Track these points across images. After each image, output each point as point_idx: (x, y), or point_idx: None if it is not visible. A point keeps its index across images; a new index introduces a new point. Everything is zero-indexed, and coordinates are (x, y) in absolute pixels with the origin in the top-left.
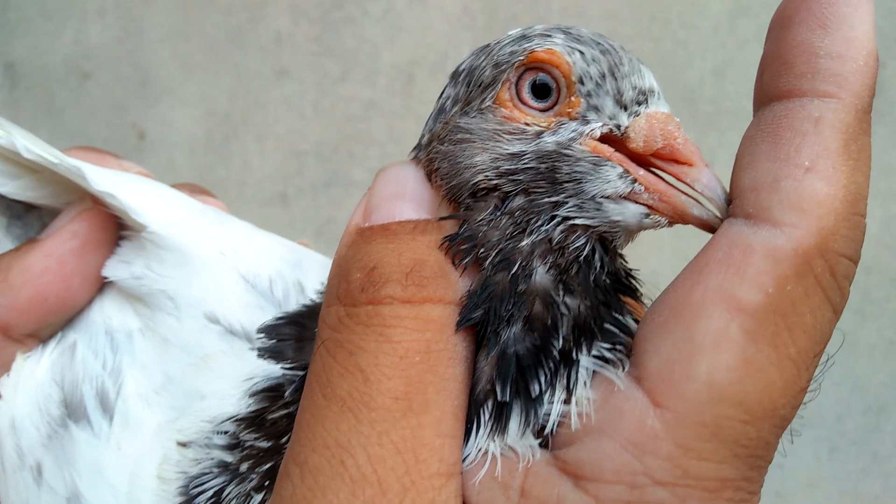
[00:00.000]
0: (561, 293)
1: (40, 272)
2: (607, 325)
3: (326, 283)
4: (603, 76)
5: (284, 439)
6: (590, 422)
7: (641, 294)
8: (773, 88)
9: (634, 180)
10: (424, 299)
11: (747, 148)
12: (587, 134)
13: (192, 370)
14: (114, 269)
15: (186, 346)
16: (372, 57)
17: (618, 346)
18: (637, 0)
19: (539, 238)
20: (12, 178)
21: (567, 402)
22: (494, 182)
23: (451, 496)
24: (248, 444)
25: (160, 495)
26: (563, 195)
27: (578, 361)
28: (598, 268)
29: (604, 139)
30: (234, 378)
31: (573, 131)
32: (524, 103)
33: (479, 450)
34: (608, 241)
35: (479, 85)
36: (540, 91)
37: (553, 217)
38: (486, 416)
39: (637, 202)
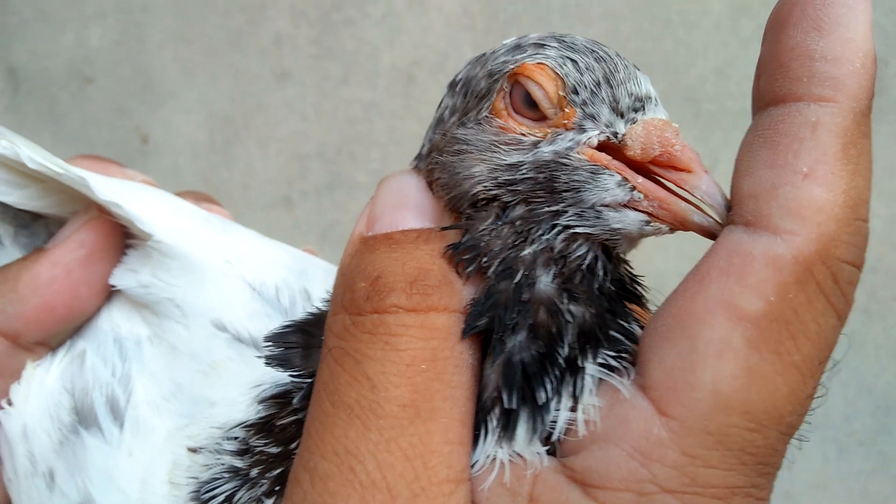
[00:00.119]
0: (565, 301)
1: (48, 281)
2: (613, 333)
3: (331, 292)
4: (598, 84)
5: (293, 445)
6: (596, 429)
7: (647, 300)
8: (769, 92)
9: (633, 188)
10: (429, 308)
11: (745, 154)
12: (584, 143)
13: (200, 377)
14: (121, 277)
15: (194, 353)
16: (372, 59)
17: (623, 354)
18: (637, 0)
19: (541, 247)
20: (18, 188)
21: (573, 409)
22: (494, 192)
23: (461, 502)
24: (257, 449)
25: (172, 500)
26: (562, 204)
27: (584, 369)
28: (601, 275)
29: (601, 147)
30: (243, 385)
31: (570, 140)
32: (519, 113)
33: (488, 456)
34: (611, 249)
35: (476, 95)
36: (532, 101)
37: (554, 226)
38: (493, 422)
39: (637, 210)
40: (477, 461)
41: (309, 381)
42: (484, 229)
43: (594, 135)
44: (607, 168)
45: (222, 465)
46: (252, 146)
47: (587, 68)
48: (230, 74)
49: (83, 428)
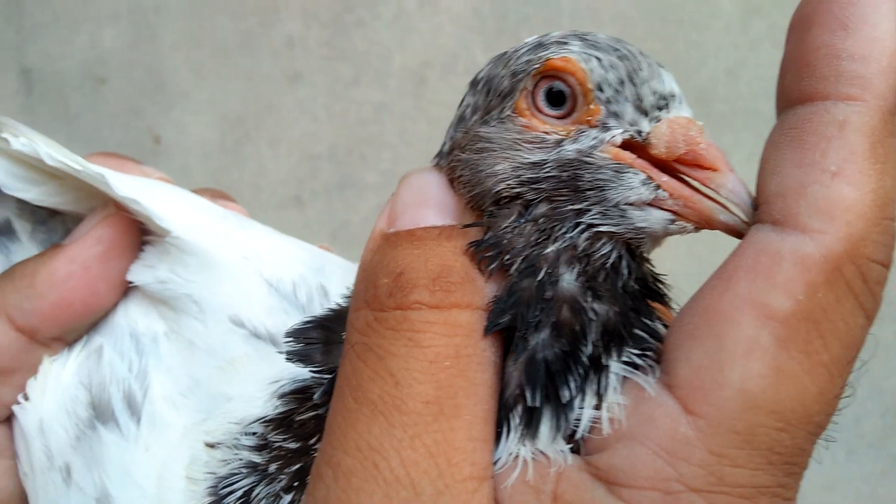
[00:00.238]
0: (589, 299)
1: (65, 277)
2: (637, 331)
3: (353, 288)
4: (622, 82)
5: (313, 441)
6: (621, 427)
7: (670, 299)
8: (795, 91)
9: (658, 186)
10: (452, 304)
11: (772, 152)
12: (608, 141)
13: (217, 373)
14: (138, 273)
15: (212, 349)
16: (383, 60)
17: (647, 352)
18: (648, 1)
19: (564, 245)
20: (35, 185)
21: (598, 407)
22: (517, 190)
23: (484, 499)
24: (276, 445)
25: (189, 495)
26: (586, 203)
27: (608, 367)
28: (626, 274)
29: (625, 146)
30: (260, 381)
31: (594, 139)
32: (541, 112)
33: (511, 454)
34: (634, 247)
35: (498, 94)
36: (556, 99)
37: (577, 224)
38: (516, 420)
39: (662, 208)
40: (499, 459)
41: (329, 377)
42: (506, 227)
43: (618, 133)
44: (632, 166)
45: (240, 460)
46: (263, 147)
47: (611, 66)
48: (242, 76)
49: (100, 423)
